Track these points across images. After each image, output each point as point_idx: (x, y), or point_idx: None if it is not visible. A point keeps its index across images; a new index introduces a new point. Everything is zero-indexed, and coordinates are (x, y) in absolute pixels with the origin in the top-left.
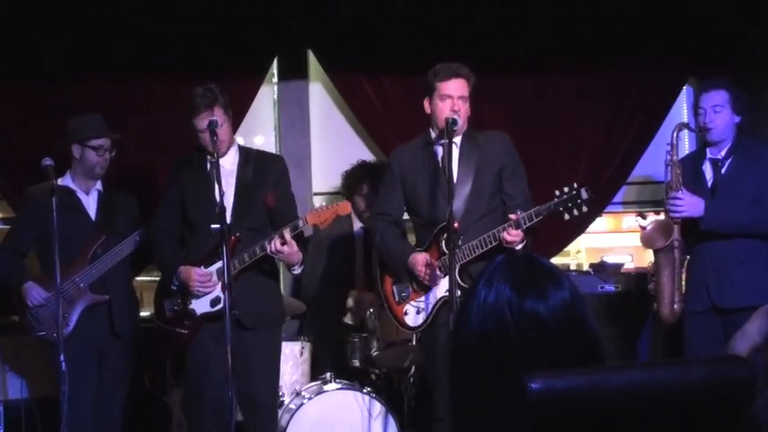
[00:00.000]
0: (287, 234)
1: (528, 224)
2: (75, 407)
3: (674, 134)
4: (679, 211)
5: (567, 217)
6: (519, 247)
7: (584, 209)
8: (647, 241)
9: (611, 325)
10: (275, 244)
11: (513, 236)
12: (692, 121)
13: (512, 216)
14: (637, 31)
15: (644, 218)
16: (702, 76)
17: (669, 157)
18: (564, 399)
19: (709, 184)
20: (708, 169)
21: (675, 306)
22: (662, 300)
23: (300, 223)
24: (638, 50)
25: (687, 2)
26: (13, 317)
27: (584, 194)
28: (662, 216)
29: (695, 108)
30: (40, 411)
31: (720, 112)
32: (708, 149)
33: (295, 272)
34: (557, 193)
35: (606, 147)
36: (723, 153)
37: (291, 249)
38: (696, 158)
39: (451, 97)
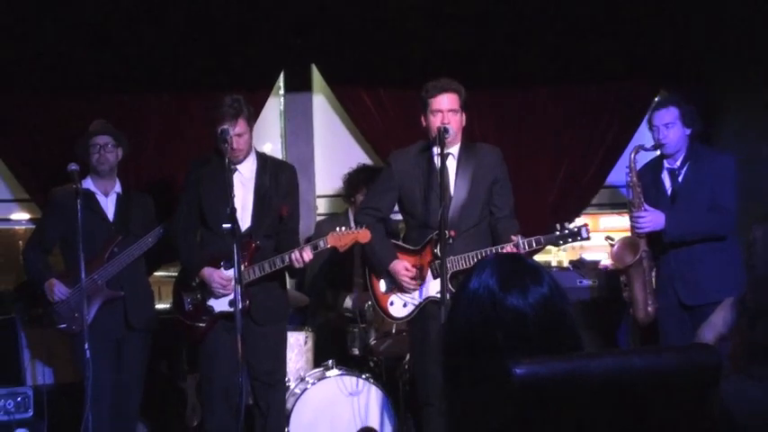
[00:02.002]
0: (310, 252)
1: (527, 249)
2: (95, 392)
3: (632, 156)
4: (643, 227)
5: (561, 245)
6: None
7: (579, 244)
8: (617, 259)
9: (590, 316)
10: (303, 257)
11: None
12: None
13: (513, 237)
14: (612, 47)
15: (612, 239)
16: (672, 89)
17: (629, 179)
18: (546, 384)
19: (669, 192)
20: (666, 179)
21: (649, 309)
22: (637, 306)
23: (322, 244)
24: (614, 66)
25: (658, 21)
26: (39, 309)
27: (585, 234)
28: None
29: (649, 124)
30: (65, 396)
31: (672, 128)
32: (665, 160)
33: (294, 277)
34: (558, 227)
35: (584, 154)
36: (679, 163)
37: (309, 263)
38: (654, 168)
39: (441, 111)
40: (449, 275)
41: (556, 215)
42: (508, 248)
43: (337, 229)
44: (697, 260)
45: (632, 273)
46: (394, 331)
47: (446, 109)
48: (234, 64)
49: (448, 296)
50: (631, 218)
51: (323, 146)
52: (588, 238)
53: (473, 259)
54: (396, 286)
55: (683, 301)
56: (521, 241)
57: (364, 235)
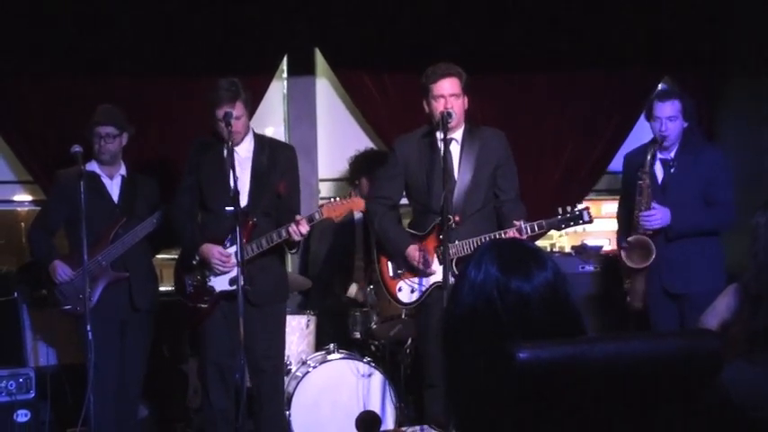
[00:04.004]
0: (306, 224)
1: (530, 234)
2: (99, 373)
3: (648, 159)
4: (653, 224)
5: (563, 229)
6: None
7: (581, 228)
8: (631, 261)
9: (591, 301)
10: (299, 229)
11: None
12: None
13: (515, 222)
14: (616, 32)
15: (628, 242)
16: (676, 76)
17: (642, 179)
18: (549, 368)
19: (660, 182)
20: (659, 169)
21: (646, 299)
22: (635, 296)
23: (317, 215)
24: (618, 51)
25: (662, 7)
26: (42, 291)
27: (586, 217)
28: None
29: (650, 114)
30: (68, 377)
31: (675, 122)
32: (657, 150)
33: (293, 252)
34: (560, 210)
35: (587, 139)
36: (673, 154)
37: (305, 235)
38: (643, 156)
39: (444, 96)
40: (454, 261)
41: (558, 201)
42: (511, 233)
43: (331, 199)
44: (683, 249)
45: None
46: (396, 315)
47: (448, 94)
48: (237, 47)
49: (451, 280)
50: (638, 215)
51: (326, 130)
52: (590, 221)
53: (478, 244)
54: (404, 272)
55: (668, 290)
56: (523, 226)
57: (358, 203)
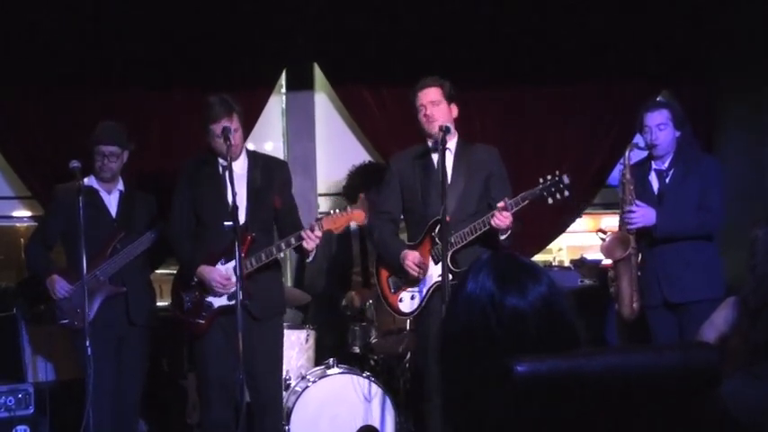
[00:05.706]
0: (318, 230)
1: (515, 208)
2: (96, 389)
3: (627, 154)
4: (635, 222)
5: (550, 201)
6: (504, 236)
7: (566, 193)
8: (607, 252)
9: (590, 315)
10: (314, 235)
11: (502, 219)
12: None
13: (500, 204)
14: (615, 47)
15: (604, 232)
16: (674, 89)
17: (622, 175)
18: (547, 381)
19: (656, 191)
20: (654, 179)
21: (635, 305)
22: (622, 302)
23: (317, 228)
24: (616, 66)
25: (660, 21)
26: (41, 306)
27: (566, 180)
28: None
29: (640, 126)
30: (67, 393)
31: (664, 130)
32: (653, 162)
33: (309, 260)
34: (540, 180)
35: (586, 153)
36: (666, 164)
37: (319, 237)
38: (642, 168)
39: (423, 105)
40: (449, 255)
41: (557, 213)
42: (499, 213)
43: (331, 212)
44: (682, 259)
45: (620, 268)
46: (395, 329)
47: (426, 101)
48: (236, 62)
49: (450, 277)
50: (622, 213)
51: (324, 144)
52: (571, 183)
53: (468, 234)
54: (403, 284)
55: (669, 299)
56: (507, 202)
57: (359, 215)
